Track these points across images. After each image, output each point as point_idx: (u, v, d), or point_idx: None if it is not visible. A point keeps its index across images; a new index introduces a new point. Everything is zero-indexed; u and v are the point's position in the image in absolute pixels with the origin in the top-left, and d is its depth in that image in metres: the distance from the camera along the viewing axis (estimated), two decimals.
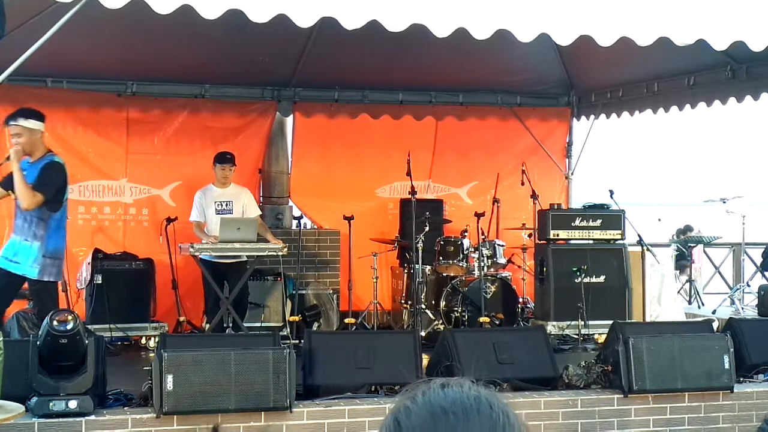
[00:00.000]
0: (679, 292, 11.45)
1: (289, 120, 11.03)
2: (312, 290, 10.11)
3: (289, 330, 9.17)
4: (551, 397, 6.81)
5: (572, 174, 11.93)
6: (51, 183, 7.07)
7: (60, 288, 8.87)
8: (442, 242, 9.98)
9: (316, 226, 10.99)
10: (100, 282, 9.13)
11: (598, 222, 9.82)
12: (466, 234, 10.06)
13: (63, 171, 7.18)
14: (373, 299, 9.99)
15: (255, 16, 5.20)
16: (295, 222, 10.40)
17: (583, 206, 10.26)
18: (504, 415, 1.45)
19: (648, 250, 9.79)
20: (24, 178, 6.97)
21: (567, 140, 12.00)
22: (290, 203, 11.03)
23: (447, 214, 11.05)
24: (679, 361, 6.97)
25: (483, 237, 9.95)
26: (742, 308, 11.42)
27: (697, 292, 12.42)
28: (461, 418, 1.40)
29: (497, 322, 9.37)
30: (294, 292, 9.67)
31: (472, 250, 9.95)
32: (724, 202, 12.45)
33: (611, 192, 10.09)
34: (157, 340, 8.42)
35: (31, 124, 7.13)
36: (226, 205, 9.02)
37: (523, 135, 11.53)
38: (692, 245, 13.03)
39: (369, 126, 11.06)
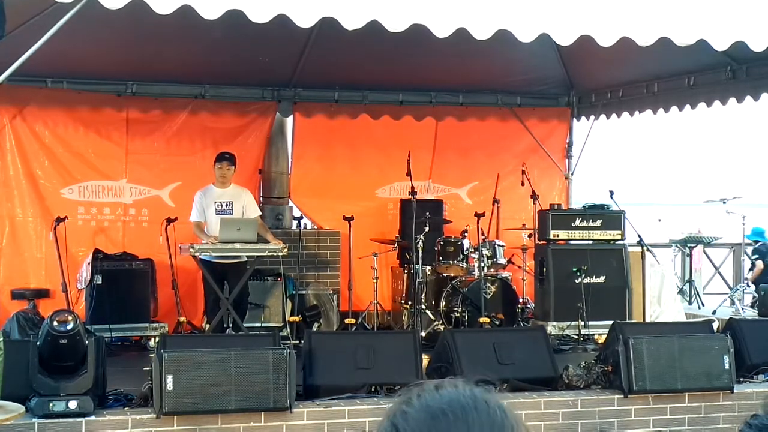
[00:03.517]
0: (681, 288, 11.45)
1: (289, 120, 11.03)
2: (312, 290, 10.11)
3: (289, 330, 9.17)
4: (551, 398, 6.81)
5: (572, 174, 11.93)
6: None
7: (60, 288, 8.93)
8: (442, 242, 9.97)
9: (316, 227, 10.99)
10: (100, 282, 9.13)
11: (598, 222, 9.81)
12: (466, 234, 10.06)
13: None
14: (373, 299, 9.99)
15: (255, 16, 5.20)
16: (295, 222, 10.39)
17: (583, 206, 10.26)
18: (501, 411, 1.45)
19: (648, 250, 9.79)
20: None
21: (567, 140, 12.00)
22: (290, 203, 11.02)
23: (447, 214, 11.05)
24: (679, 362, 6.97)
25: (483, 237, 9.95)
26: (742, 308, 11.42)
27: (697, 292, 12.42)
28: (460, 416, 1.41)
29: (497, 323, 9.37)
30: (294, 292, 9.66)
31: (472, 250, 9.95)
32: (724, 203, 12.45)
33: (611, 192, 10.09)
34: (157, 340, 8.42)
35: None
36: (226, 205, 9.01)
37: (523, 135, 11.53)
38: (692, 245, 13.03)
39: (369, 126, 11.06)
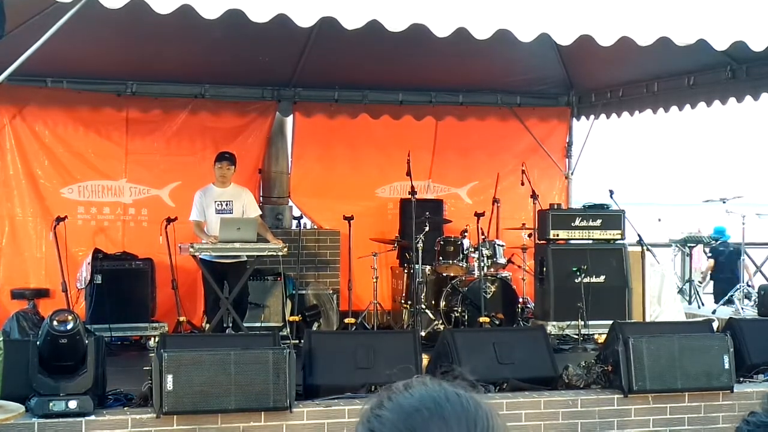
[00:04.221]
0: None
1: (289, 120, 11.03)
2: (312, 290, 10.11)
3: (289, 330, 9.16)
4: (551, 397, 6.81)
5: (572, 174, 11.93)
6: None
7: (60, 288, 8.92)
8: (442, 242, 9.97)
9: (316, 226, 10.99)
10: (100, 282, 9.13)
11: (598, 222, 9.81)
12: (466, 234, 10.06)
13: None
14: (373, 299, 9.99)
15: (255, 16, 5.20)
16: (295, 222, 10.39)
17: (583, 206, 10.25)
18: (474, 401, 1.45)
19: (648, 250, 9.79)
20: None
21: (567, 140, 12.00)
22: (290, 203, 11.02)
23: (447, 214, 11.05)
24: (679, 361, 6.97)
25: (483, 237, 9.95)
26: (742, 308, 11.42)
27: (697, 292, 12.42)
28: (435, 411, 1.41)
29: (497, 322, 9.37)
30: (294, 292, 9.66)
31: (472, 250, 9.95)
32: (724, 203, 12.46)
33: (611, 192, 10.09)
34: (157, 340, 8.42)
35: None
36: (226, 204, 9.01)
37: (523, 135, 11.53)
38: (692, 245, 13.04)
39: (369, 126, 11.06)
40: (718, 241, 12.97)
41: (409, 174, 9.53)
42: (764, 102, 9.17)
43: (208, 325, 8.89)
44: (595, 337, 9.34)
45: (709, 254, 13.09)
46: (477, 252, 9.77)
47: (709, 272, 12.99)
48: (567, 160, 11.98)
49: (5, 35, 5.55)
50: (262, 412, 6.20)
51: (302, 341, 7.30)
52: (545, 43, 6.45)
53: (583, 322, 9.25)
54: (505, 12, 5.54)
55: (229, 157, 9.11)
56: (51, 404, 5.85)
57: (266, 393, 6.16)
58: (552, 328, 9.28)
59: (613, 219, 9.87)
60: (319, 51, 9.49)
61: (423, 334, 8.97)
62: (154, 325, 9.25)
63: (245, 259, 9.00)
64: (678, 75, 9.97)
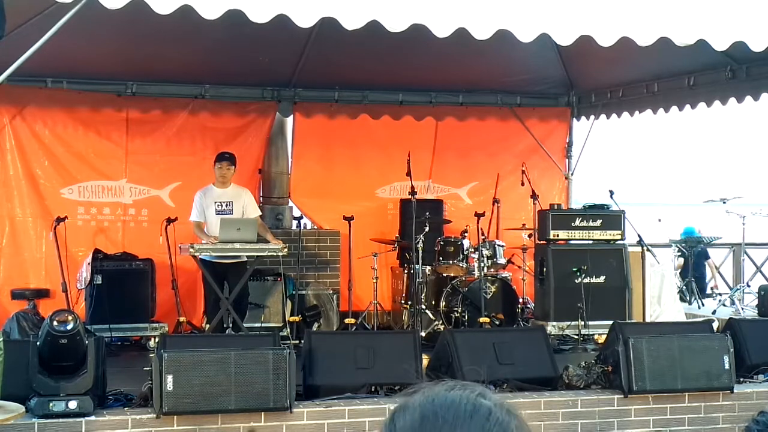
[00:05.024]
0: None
1: (289, 120, 11.03)
2: (312, 290, 10.11)
3: (289, 330, 9.16)
4: (551, 398, 6.81)
5: (572, 174, 11.93)
6: None
7: (60, 288, 8.93)
8: (442, 242, 9.97)
9: (316, 227, 10.99)
10: (100, 282, 9.13)
11: (598, 222, 9.81)
12: (466, 234, 10.06)
13: None
14: (373, 299, 9.98)
15: (255, 16, 5.20)
16: (295, 222, 10.39)
17: (583, 206, 10.26)
18: (500, 426, 1.37)
19: (648, 250, 9.79)
20: None
21: (567, 140, 12.00)
22: (290, 203, 11.02)
23: (447, 214, 11.05)
24: (679, 362, 6.97)
25: (483, 237, 9.95)
26: (742, 308, 11.42)
27: (697, 292, 12.43)
28: (450, 422, 1.36)
29: (497, 323, 9.37)
30: (294, 292, 9.66)
31: (472, 250, 9.95)
32: (724, 203, 12.47)
33: (611, 192, 10.09)
34: (157, 340, 8.42)
35: None
36: (226, 205, 9.01)
37: (523, 135, 11.53)
38: (692, 245, 13.04)
39: (369, 126, 11.06)
40: (686, 242, 13.04)
41: (409, 174, 9.53)
42: (764, 102, 9.18)
43: (208, 326, 8.89)
44: (595, 337, 9.34)
45: (678, 253, 13.16)
46: (477, 252, 9.77)
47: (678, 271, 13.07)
48: (567, 160, 11.98)
49: (5, 35, 5.55)
50: (262, 413, 6.20)
51: (302, 341, 7.30)
52: (545, 43, 6.45)
53: (583, 323, 9.25)
54: (505, 12, 5.54)
55: (229, 157, 9.11)
56: (51, 404, 5.85)
57: (266, 393, 6.16)
58: (552, 328, 9.28)
59: (613, 219, 9.87)
60: (319, 51, 9.49)
61: (423, 334, 8.97)
62: (154, 325, 9.25)
63: (245, 259, 9.00)
64: (678, 75, 9.97)
